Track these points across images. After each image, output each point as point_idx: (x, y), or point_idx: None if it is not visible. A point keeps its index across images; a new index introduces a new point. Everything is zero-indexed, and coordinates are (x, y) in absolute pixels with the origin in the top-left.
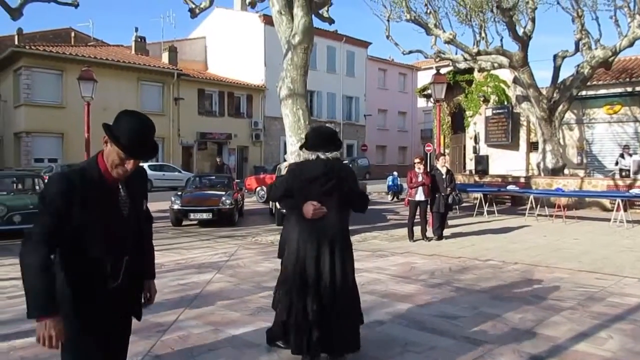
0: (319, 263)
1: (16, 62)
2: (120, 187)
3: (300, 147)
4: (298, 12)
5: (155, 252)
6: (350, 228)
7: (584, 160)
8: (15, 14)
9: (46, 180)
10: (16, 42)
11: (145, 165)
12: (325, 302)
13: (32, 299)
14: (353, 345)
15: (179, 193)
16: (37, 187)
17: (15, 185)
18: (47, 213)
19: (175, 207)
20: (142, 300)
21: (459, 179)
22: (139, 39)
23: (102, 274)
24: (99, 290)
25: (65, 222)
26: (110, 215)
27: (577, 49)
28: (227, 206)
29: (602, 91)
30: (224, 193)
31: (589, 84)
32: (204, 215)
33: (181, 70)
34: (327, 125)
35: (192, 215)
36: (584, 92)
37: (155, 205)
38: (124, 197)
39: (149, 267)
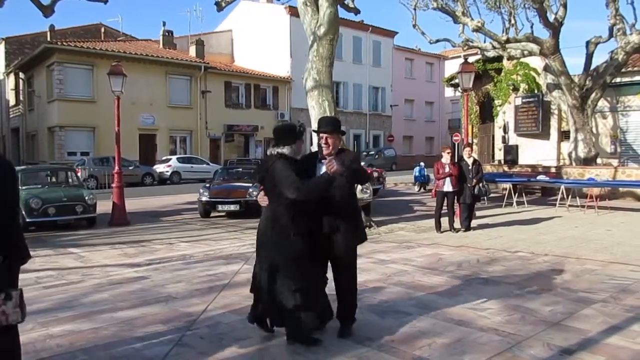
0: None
1: (49, 58)
2: None
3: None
4: (323, 3)
5: (184, 244)
6: (376, 219)
7: (618, 149)
8: (48, 11)
9: None
10: (48, 39)
11: (173, 158)
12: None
13: None
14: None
15: (207, 185)
16: (70, 180)
17: (49, 178)
18: None
19: (204, 198)
20: None
21: (488, 169)
22: (167, 33)
23: None
24: None
25: None
26: None
27: (611, 35)
28: (255, 198)
29: (638, 78)
30: (251, 185)
31: (623, 70)
32: (232, 207)
33: (208, 63)
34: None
35: (220, 207)
36: (618, 79)
37: (184, 197)
38: None
39: None
